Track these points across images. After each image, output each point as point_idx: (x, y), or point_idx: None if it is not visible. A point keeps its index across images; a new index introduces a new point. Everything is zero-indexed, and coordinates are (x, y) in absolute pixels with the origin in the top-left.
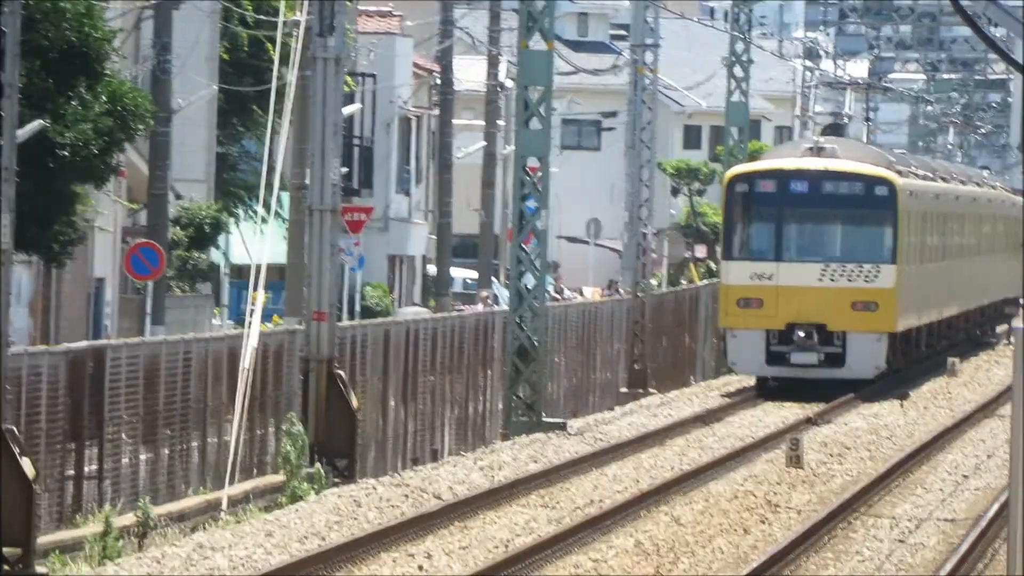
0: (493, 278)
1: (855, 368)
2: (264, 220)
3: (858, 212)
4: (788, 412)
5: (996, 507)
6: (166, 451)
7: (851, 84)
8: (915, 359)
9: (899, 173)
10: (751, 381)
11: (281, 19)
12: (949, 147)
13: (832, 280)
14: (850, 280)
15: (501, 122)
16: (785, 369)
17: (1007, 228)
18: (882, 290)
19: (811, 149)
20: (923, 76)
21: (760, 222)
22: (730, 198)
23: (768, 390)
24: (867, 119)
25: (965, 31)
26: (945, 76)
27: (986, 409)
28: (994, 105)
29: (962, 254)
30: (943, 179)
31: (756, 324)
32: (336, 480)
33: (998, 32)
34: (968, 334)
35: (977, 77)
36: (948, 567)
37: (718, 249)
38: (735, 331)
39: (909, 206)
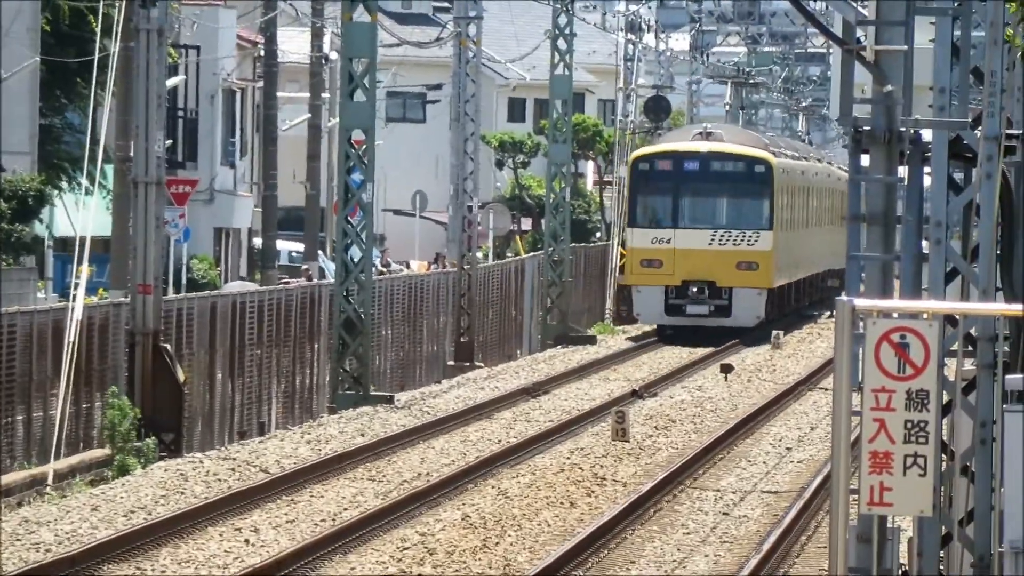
0: (319, 251)
1: (740, 318)
2: (88, 192)
3: (741, 186)
4: (614, 385)
5: (819, 479)
6: None
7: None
8: (784, 311)
9: (774, 154)
10: (575, 356)
11: None
12: (774, 122)
13: (720, 244)
14: (735, 244)
15: (326, 94)
16: (682, 319)
17: (838, 202)
18: (761, 252)
19: (701, 134)
20: (744, 49)
21: (659, 195)
22: (634, 175)
23: (666, 337)
24: (691, 93)
25: (785, 4)
26: (766, 49)
27: (809, 381)
28: (814, 79)
29: (817, 223)
30: (804, 158)
31: (656, 281)
32: (163, 454)
33: (818, 6)
34: (818, 295)
35: (797, 51)
36: (772, 539)
37: (543, 222)
38: (639, 287)
39: (782, 182)
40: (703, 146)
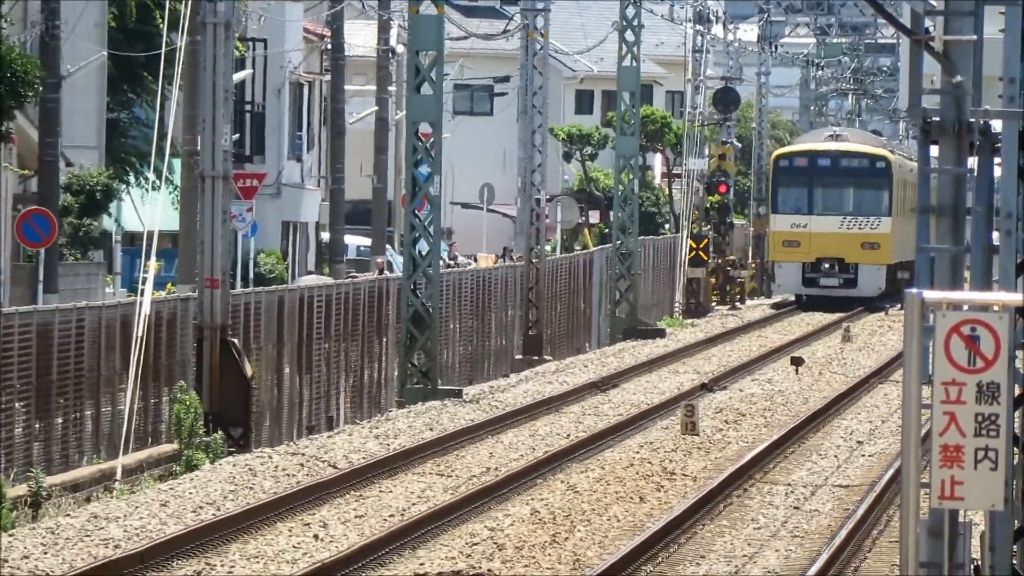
0: (387, 245)
1: (864, 289)
2: (156, 187)
3: (865, 179)
4: (683, 378)
5: (890, 473)
6: (59, 420)
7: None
8: (899, 285)
9: (891, 152)
10: (644, 349)
11: None
12: (843, 112)
13: (848, 228)
14: (860, 228)
15: (393, 88)
16: (815, 289)
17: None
18: (882, 234)
19: (831, 136)
20: (813, 40)
21: (797, 187)
22: (776, 170)
23: (803, 304)
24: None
25: None
26: (835, 40)
27: (880, 374)
28: (884, 69)
29: None
30: (912, 157)
31: (795, 258)
32: (231, 449)
33: None
34: None
35: (867, 41)
36: (843, 533)
37: (611, 215)
38: (780, 264)
39: (899, 176)
40: (833, 146)
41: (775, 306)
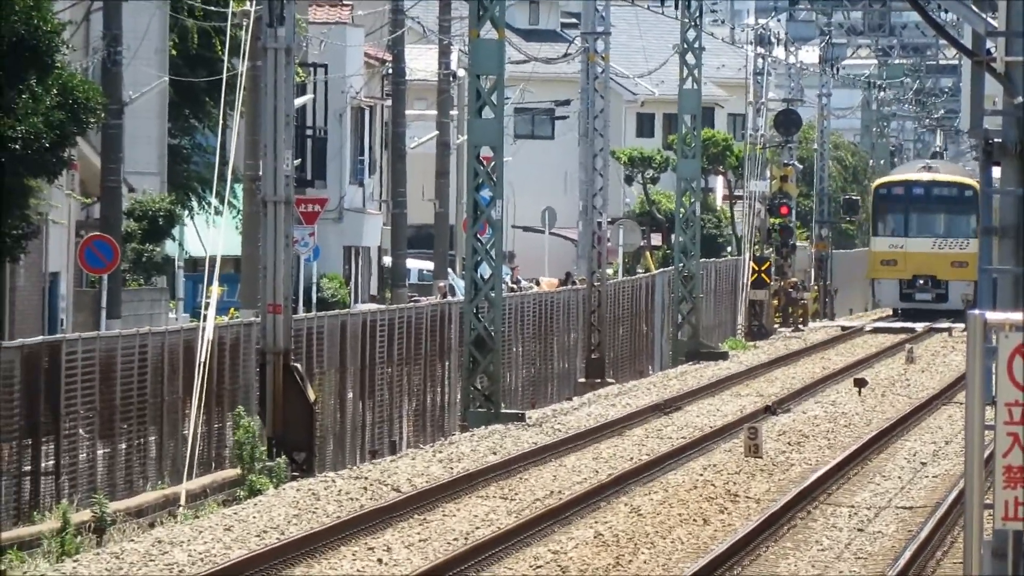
0: (449, 268)
1: (954, 302)
2: (218, 212)
3: (954, 206)
4: (746, 401)
5: (954, 494)
6: (123, 446)
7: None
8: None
9: (977, 181)
10: (706, 372)
11: (231, 9)
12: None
13: (940, 248)
14: (951, 248)
15: (454, 111)
16: (911, 303)
17: None
18: (970, 254)
19: (924, 167)
20: (875, 61)
21: (895, 213)
22: (876, 198)
23: (900, 316)
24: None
25: (916, 16)
26: (896, 61)
27: (943, 396)
28: (946, 90)
29: None
30: None
31: (893, 275)
32: (295, 474)
33: (948, 17)
34: None
35: (928, 62)
36: (907, 555)
37: (673, 237)
38: (879, 280)
39: None
40: (927, 176)
41: (842, 328)
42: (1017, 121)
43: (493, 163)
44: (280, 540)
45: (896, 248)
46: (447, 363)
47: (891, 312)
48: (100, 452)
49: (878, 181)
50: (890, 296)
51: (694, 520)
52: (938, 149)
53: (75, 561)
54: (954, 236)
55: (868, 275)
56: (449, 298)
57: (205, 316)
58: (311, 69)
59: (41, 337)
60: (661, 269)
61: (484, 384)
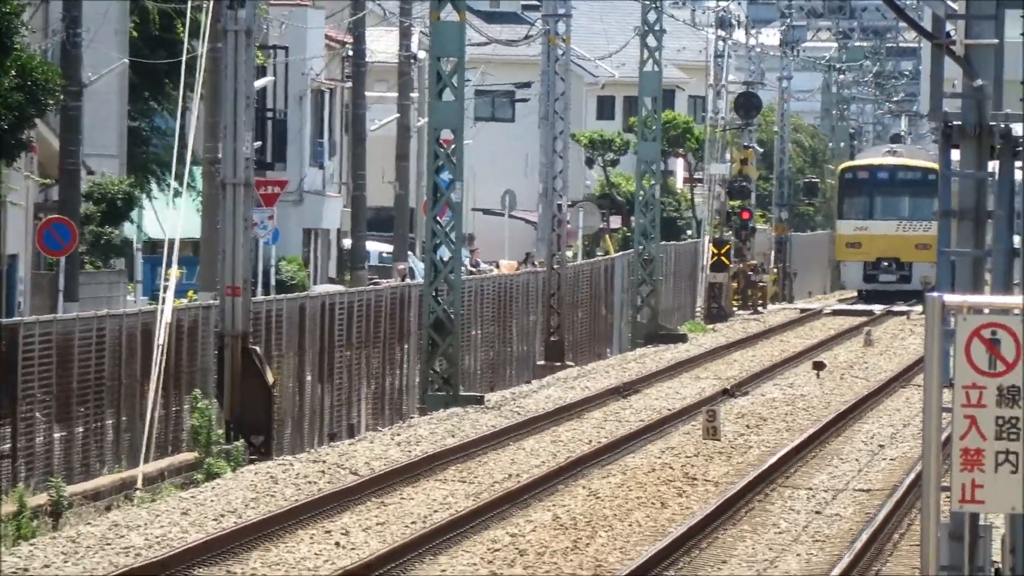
0: (409, 251)
1: (917, 283)
2: (177, 194)
3: (918, 188)
4: (705, 384)
5: (912, 477)
6: (80, 429)
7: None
8: None
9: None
10: (665, 354)
11: None
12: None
13: (904, 231)
14: (914, 231)
15: (414, 94)
16: (875, 284)
17: None
18: (933, 236)
19: (889, 152)
20: (835, 44)
21: (860, 196)
22: (842, 182)
23: (864, 297)
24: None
25: None
26: (857, 44)
27: (901, 378)
28: (906, 73)
29: None
30: None
31: (858, 258)
32: (252, 457)
33: (908, 0)
34: None
35: (888, 45)
36: (864, 537)
37: (633, 220)
38: (845, 263)
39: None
40: (891, 160)
41: (801, 310)
42: (976, 104)
43: (453, 146)
44: (237, 524)
45: (861, 231)
46: (406, 346)
47: (856, 294)
48: (57, 435)
49: (843, 165)
50: (855, 278)
51: (652, 503)
52: (902, 134)
53: (31, 545)
54: (918, 219)
55: (835, 257)
56: (408, 281)
57: (163, 299)
58: (271, 51)
59: None
60: (621, 252)
61: (443, 367)
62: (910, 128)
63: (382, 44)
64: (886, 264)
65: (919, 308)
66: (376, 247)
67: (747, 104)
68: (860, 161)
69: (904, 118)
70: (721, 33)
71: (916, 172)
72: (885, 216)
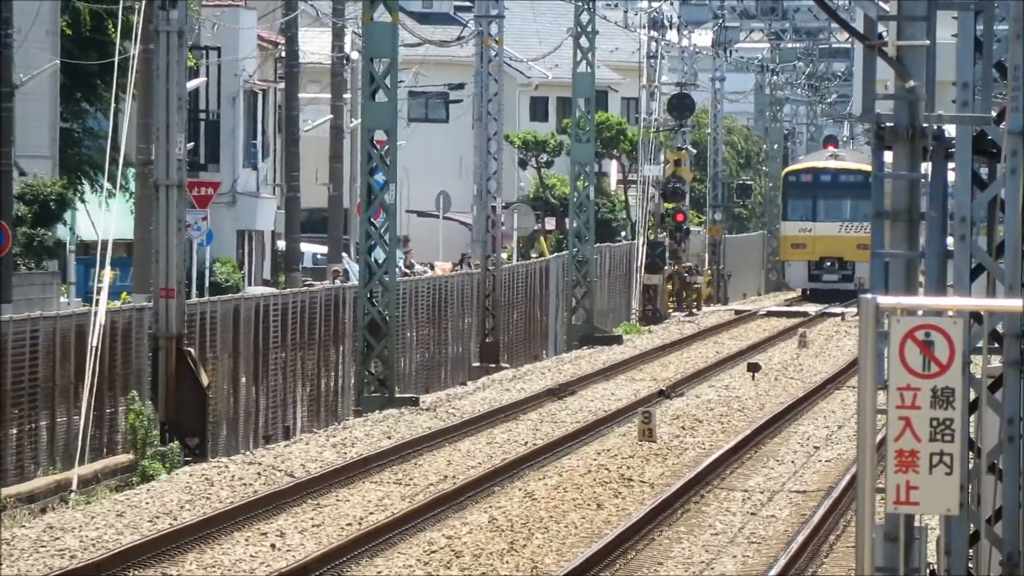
0: (343, 253)
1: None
2: (110, 196)
3: (860, 191)
4: (640, 385)
5: (847, 478)
6: (14, 431)
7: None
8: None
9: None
10: (601, 356)
11: None
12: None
13: (846, 232)
14: (856, 231)
15: (348, 95)
16: (819, 284)
17: None
18: None
19: (831, 156)
20: (768, 45)
21: (804, 198)
22: (786, 185)
23: (808, 296)
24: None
25: (809, 1)
26: (789, 45)
27: (836, 380)
28: (838, 75)
29: None
30: None
31: (802, 257)
32: (187, 459)
33: (840, 2)
34: None
35: (821, 46)
36: (800, 539)
37: (567, 222)
38: (790, 262)
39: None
40: (833, 164)
41: (735, 312)
42: (908, 105)
43: (387, 147)
44: (173, 526)
45: (805, 232)
46: (341, 348)
47: (800, 293)
48: None
49: (787, 168)
50: (799, 277)
51: (588, 505)
52: (845, 139)
53: None
54: (859, 220)
55: (780, 257)
56: (343, 283)
57: (97, 300)
58: (204, 52)
59: None
60: (555, 254)
61: (378, 368)
62: (852, 132)
63: (315, 45)
64: (829, 264)
65: (853, 310)
66: (310, 249)
67: (680, 105)
68: (803, 164)
69: (847, 124)
70: (654, 34)
71: (858, 175)
72: (828, 217)
